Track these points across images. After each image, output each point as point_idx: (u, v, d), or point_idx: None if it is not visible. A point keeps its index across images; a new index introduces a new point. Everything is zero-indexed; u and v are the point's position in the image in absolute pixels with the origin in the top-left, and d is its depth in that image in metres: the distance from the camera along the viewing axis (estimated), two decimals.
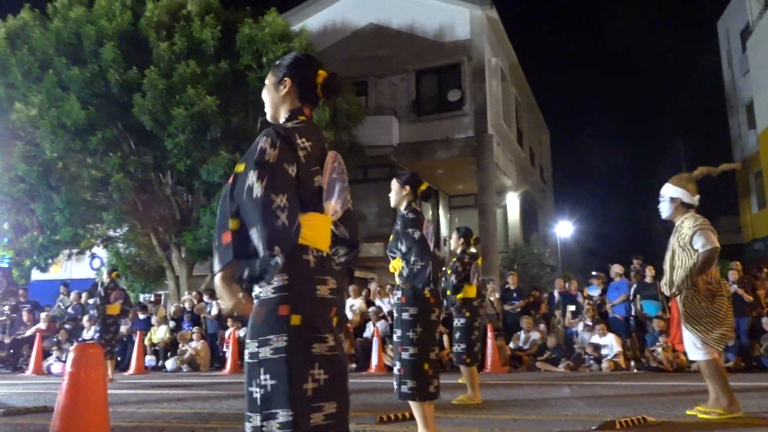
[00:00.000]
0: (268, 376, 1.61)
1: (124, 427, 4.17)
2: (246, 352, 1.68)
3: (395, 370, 3.37)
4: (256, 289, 1.70)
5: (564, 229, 25.12)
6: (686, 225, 4.17)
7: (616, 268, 10.32)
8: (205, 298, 12.76)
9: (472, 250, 5.54)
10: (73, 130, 11.95)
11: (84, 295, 13.34)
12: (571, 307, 10.46)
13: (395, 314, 3.45)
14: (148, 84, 11.82)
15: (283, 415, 1.59)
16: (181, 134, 11.96)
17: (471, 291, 5.45)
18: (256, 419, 1.61)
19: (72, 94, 11.90)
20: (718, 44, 25.23)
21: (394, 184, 3.59)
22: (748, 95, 21.48)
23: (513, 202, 21.35)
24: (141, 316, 12.58)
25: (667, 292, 4.35)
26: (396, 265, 3.40)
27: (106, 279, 9.13)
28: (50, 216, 12.62)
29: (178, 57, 12.28)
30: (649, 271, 9.88)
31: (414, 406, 3.27)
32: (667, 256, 4.28)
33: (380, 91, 18.12)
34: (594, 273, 11.60)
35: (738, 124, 23.41)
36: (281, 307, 1.65)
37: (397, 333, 3.38)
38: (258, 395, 1.62)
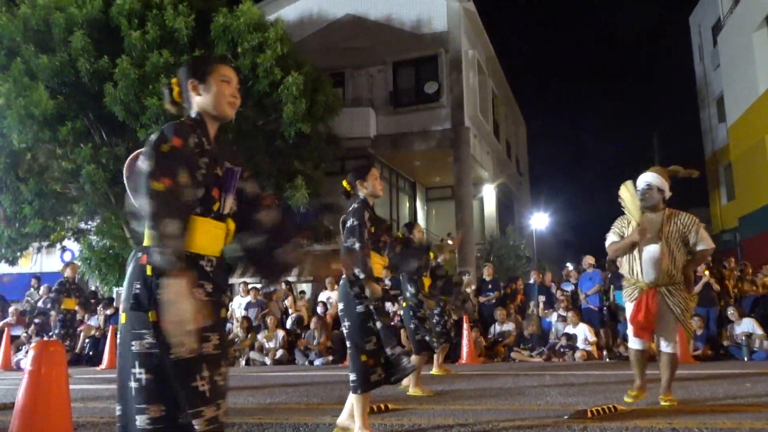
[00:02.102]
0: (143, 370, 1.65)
1: (95, 423, 4.10)
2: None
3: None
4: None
5: (540, 220, 25.39)
6: (685, 220, 4.21)
7: (589, 259, 10.48)
8: None
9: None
10: (42, 120, 11.64)
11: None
12: (542, 298, 10.59)
13: None
14: (120, 73, 11.57)
15: (155, 411, 1.63)
16: (154, 125, 11.73)
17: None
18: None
19: (40, 83, 11.59)
20: (690, 39, 25.65)
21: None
22: (719, 89, 21.90)
23: (489, 194, 21.49)
24: (109, 312, 12.39)
25: (649, 282, 4.25)
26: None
27: (68, 273, 8.93)
28: (18, 208, 12.30)
29: (151, 46, 12.02)
30: None
31: (355, 398, 3.30)
32: (657, 247, 4.16)
33: (357, 82, 18.04)
34: (568, 265, 11.77)
35: (709, 117, 23.87)
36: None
37: None
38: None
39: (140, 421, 1.60)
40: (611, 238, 4.39)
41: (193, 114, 1.93)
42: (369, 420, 3.47)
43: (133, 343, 1.63)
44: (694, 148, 25.50)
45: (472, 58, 18.13)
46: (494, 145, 21.01)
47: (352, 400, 3.32)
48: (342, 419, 3.45)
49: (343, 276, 3.51)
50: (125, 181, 1.92)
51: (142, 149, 1.79)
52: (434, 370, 7.35)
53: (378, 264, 3.52)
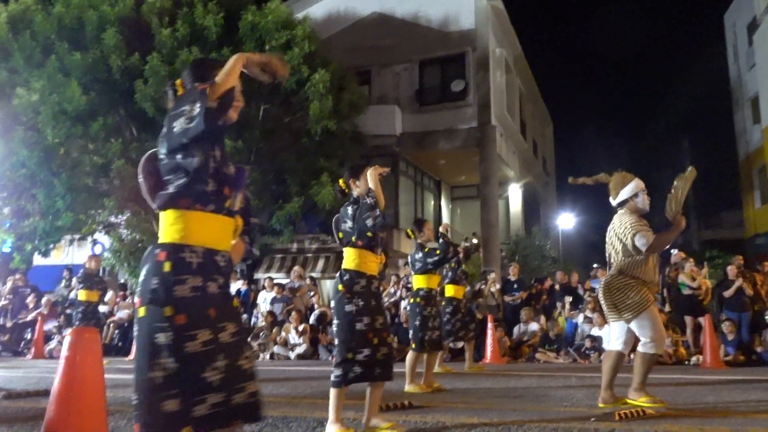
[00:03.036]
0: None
1: (125, 412, 4.18)
2: None
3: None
4: None
5: (566, 221, 25.06)
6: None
7: None
8: None
9: (418, 240, 5.55)
10: (75, 116, 11.91)
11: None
12: (569, 299, 10.46)
13: None
14: (150, 70, 11.77)
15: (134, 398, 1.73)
16: None
17: (420, 281, 5.58)
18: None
19: (73, 79, 11.85)
20: (724, 38, 25.05)
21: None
22: (753, 89, 21.36)
23: (515, 194, 21.30)
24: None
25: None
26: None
27: (91, 265, 8.99)
28: (51, 202, 12.61)
29: (181, 44, 12.21)
30: None
31: (333, 392, 3.35)
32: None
33: (384, 80, 18.04)
34: (595, 265, 11.60)
35: (743, 119, 23.28)
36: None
37: None
38: None
39: (166, 406, 1.65)
40: (646, 234, 4.15)
41: None
42: (392, 416, 3.48)
43: (157, 335, 1.70)
44: (727, 150, 24.91)
45: (499, 56, 17.98)
46: (520, 144, 20.82)
47: (332, 394, 3.36)
48: (370, 421, 3.44)
49: (336, 275, 3.56)
50: (141, 182, 1.96)
51: (155, 149, 1.94)
52: (467, 367, 7.43)
53: (373, 262, 3.53)
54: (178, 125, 1.78)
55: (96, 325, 9.11)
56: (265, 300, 11.96)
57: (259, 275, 16.00)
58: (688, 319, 9.48)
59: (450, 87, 17.27)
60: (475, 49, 17.13)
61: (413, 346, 5.51)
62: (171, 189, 1.83)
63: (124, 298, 12.61)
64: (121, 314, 12.46)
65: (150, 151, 1.98)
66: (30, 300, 12.49)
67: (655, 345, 4.17)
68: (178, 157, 1.82)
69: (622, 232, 4.25)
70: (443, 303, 7.11)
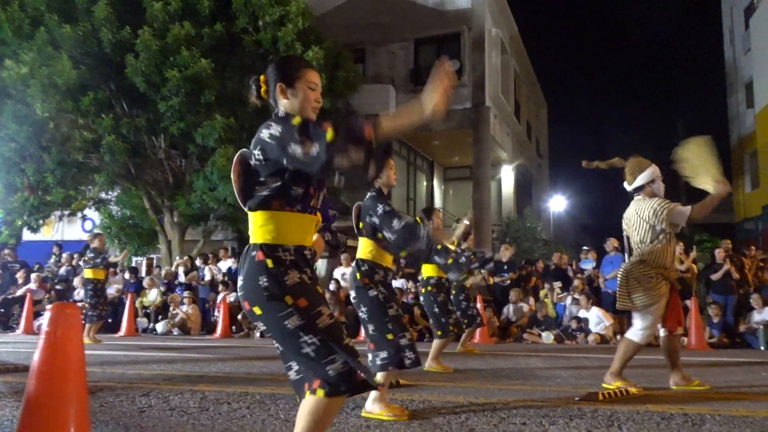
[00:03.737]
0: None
1: (113, 387, 4.20)
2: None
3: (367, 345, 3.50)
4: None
5: (558, 203, 25.17)
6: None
7: (613, 242, 10.29)
8: (198, 262, 12.76)
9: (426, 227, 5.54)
10: (65, 90, 11.76)
11: (76, 257, 13.33)
12: (557, 283, 10.53)
13: None
14: (142, 45, 11.60)
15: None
16: (174, 97, 11.79)
17: (429, 270, 5.62)
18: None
19: (63, 52, 11.67)
20: (721, 21, 24.93)
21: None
22: (748, 74, 21.33)
23: (508, 176, 21.31)
24: (130, 278, 12.63)
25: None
26: None
27: (96, 244, 9.02)
28: (41, 177, 12.51)
29: (173, 18, 12.02)
30: None
31: (383, 376, 3.36)
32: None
33: (378, 59, 17.88)
34: (585, 248, 11.66)
35: (737, 103, 23.30)
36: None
37: None
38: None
39: (334, 368, 1.82)
40: (681, 207, 4.09)
41: (281, 114, 2.00)
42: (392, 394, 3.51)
43: (287, 322, 1.83)
44: (720, 133, 24.97)
45: (495, 36, 17.83)
46: (514, 126, 20.77)
47: (380, 376, 3.34)
48: (369, 406, 3.42)
49: (353, 264, 3.55)
50: (233, 181, 2.01)
51: (246, 149, 1.99)
52: (459, 348, 7.53)
53: (388, 255, 3.54)
54: (292, 149, 1.76)
55: (104, 303, 9.16)
56: None
57: None
58: None
59: None
60: (470, 29, 16.98)
61: (438, 333, 5.59)
62: (265, 192, 1.91)
63: (114, 274, 12.59)
64: (111, 291, 12.44)
65: (241, 151, 2.03)
66: (19, 275, 12.45)
67: (644, 336, 4.20)
68: (279, 164, 1.86)
69: (651, 214, 4.15)
70: (454, 292, 7.14)
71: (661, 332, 4.34)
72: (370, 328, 3.42)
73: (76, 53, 11.94)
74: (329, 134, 1.64)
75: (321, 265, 15.89)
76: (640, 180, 4.31)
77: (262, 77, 2.05)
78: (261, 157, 1.89)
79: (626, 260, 4.41)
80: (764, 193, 19.50)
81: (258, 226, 1.92)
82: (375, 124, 1.65)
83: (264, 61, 12.43)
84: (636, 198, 4.34)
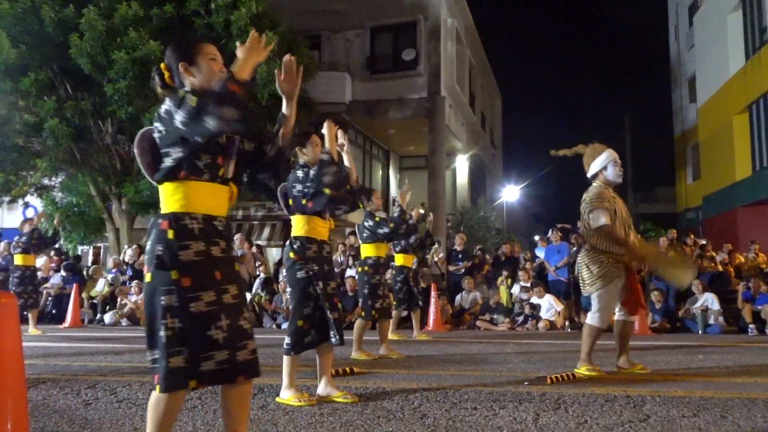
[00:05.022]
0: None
1: (57, 380, 4.06)
2: None
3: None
4: None
5: (511, 193, 25.64)
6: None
7: (557, 232, 10.70)
8: None
9: (367, 209, 5.53)
10: (3, 70, 11.19)
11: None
12: (505, 272, 10.75)
13: None
14: (87, 24, 11.12)
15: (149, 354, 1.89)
16: (122, 80, 11.37)
17: (368, 250, 5.54)
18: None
19: (1, 30, 11.08)
20: (667, 18, 25.79)
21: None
22: (691, 69, 22.17)
23: (462, 165, 21.56)
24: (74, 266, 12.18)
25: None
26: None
27: (26, 229, 8.62)
28: None
29: None
30: None
31: (286, 359, 3.35)
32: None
33: (334, 46, 17.71)
34: (537, 237, 11.95)
35: (680, 97, 24.21)
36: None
37: None
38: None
39: (174, 362, 1.81)
40: (603, 218, 4.12)
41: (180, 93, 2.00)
42: (335, 382, 3.51)
43: (162, 298, 1.83)
44: (664, 127, 25.94)
45: (450, 26, 17.93)
46: (469, 116, 20.99)
47: (285, 362, 3.35)
48: (321, 390, 3.44)
49: (287, 243, 3.53)
50: (138, 157, 2.06)
51: (148, 128, 2.03)
52: (416, 335, 7.57)
53: (322, 227, 3.51)
54: (179, 117, 1.83)
55: (34, 291, 8.71)
56: None
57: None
58: None
59: (401, 55, 17.14)
60: (427, 18, 17.01)
61: (362, 314, 5.51)
62: (169, 162, 1.93)
63: (59, 263, 12.13)
64: (55, 280, 12.00)
65: (143, 129, 2.06)
66: None
67: (599, 319, 4.30)
68: (181, 134, 1.89)
69: (583, 207, 4.27)
70: (393, 272, 7.17)
71: (617, 315, 4.48)
72: (291, 308, 3.49)
73: (15, 31, 11.35)
74: (191, 100, 1.78)
75: (276, 252, 15.74)
76: (594, 167, 4.39)
77: (162, 65, 2.06)
78: (162, 128, 1.92)
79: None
80: (705, 185, 20.39)
81: (167, 196, 1.94)
82: (231, 77, 1.80)
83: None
84: (591, 185, 4.41)
